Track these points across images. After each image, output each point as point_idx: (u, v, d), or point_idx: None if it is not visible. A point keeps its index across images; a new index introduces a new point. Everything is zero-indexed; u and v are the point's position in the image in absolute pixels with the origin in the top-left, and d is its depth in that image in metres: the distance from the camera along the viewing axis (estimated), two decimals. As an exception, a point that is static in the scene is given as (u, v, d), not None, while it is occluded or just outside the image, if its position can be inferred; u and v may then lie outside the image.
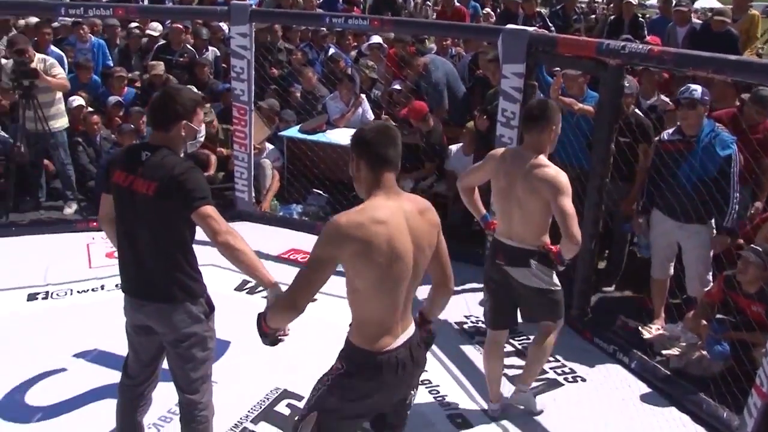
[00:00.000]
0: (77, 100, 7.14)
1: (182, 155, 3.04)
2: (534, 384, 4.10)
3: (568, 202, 3.30)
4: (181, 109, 2.88)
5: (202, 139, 7.00)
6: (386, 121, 6.62)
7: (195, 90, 7.37)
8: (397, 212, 2.37)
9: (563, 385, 4.28)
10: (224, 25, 8.49)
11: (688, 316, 4.58)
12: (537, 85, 5.34)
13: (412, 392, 2.71)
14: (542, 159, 3.45)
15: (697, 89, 4.42)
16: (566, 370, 4.42)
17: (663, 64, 4.27)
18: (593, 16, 10.04)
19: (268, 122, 7.13)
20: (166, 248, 2.94)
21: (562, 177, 3.38)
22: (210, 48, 8.40)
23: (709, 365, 4.37)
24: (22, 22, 8.47)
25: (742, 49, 6.85)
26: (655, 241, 4.83)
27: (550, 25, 8.01)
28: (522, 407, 3.98)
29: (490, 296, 3.82)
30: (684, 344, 4.53)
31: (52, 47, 7.60)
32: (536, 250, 3.53)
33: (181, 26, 8.50)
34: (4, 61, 7.03)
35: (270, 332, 2.62)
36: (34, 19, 7.84)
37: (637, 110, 5.28)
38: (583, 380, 4.34)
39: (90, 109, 7.28)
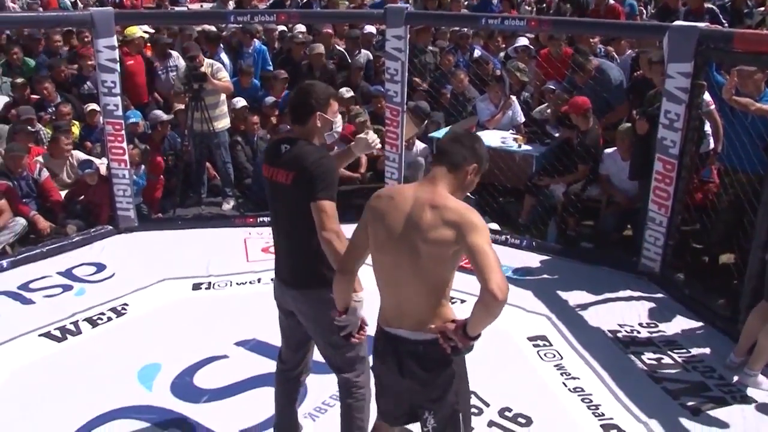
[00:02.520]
0: (241, 101, 7.55)
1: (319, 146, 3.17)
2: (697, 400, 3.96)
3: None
4: (314, 102, 3.06)
5: (340, 130, 7.16)
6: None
7: (347, 90, 7.66)
8: (407, 194, 2.56)
9: (730, 404, 3.99)
10: (369, 27, 8.70)
11: None
12: (705, 85, 5.04)
13: (425, 413, 2.70)
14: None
15: None
16: (733, 389, 4.13)
17: None
18: (762, 8, 9.31)
19: (418, 121, 7.20)
20: (302, 236, 3.06)
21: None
22: (363, 51, 8.59)
23: None
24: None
25: None
26: None
27: (723, 20, 7.52)
28: (749, 387, 4.06)
29: None
30: None
31: (222, 54, 8.13)
32: None
33: (330, 30, 8.78)
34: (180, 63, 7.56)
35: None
36: (209, 27, 8.35)
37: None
38: (753, 400, 4.03)
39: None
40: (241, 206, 7.18)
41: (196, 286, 5.48)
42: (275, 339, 4.57)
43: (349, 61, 8.45)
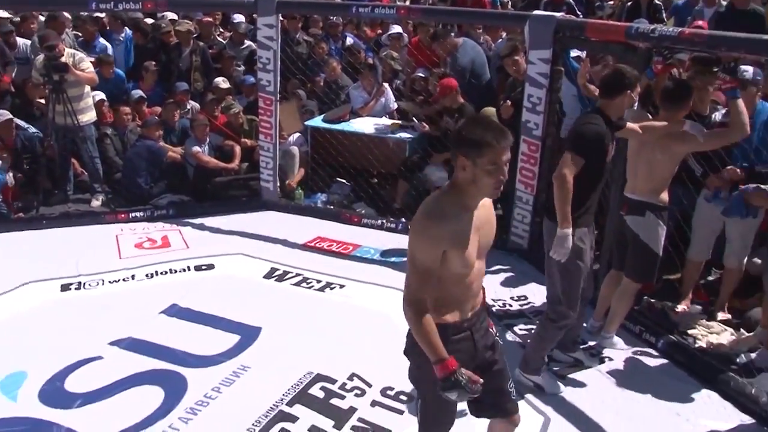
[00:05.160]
0: (99, 94, 7.23)
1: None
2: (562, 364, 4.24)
3: None
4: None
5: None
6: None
7: (223, 80, 7.53)
8: None
9: (592, 364, 4.30)
10: (238, 17, 8.57)
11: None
12: (563, 71, 5.34)
13: None
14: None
15: (749, 69, 4.36)
16: (594, 351, 4.44)
17: (695, 47, 4.23)
18: (611, 2, 9.96)
19: (303, 117, 7.21)
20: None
21: None
22: (247, 42, 8.46)
23: (736, 343, 4.42)
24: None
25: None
26: (700, 225, 4.78)
27: (578, 12, 7.97)
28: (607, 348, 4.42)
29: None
30: (711, 324, 4.59)
31: (100, 39, 7.86)
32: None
33: (211, 19, 8.58)
34: (35, 56, 7.14)
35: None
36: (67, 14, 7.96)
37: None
38: (611, 359, 4.36)
39: (107, 102, 7.36)
40: (111, 202, 6.90)
41: (65, 287, 5.23)
42: (152, 335, 4.52)
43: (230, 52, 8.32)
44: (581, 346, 4.41)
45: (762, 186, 4.19)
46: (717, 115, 4.62)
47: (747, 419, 3.80)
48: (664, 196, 4.15)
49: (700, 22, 6.61)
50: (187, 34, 7.92)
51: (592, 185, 3.74)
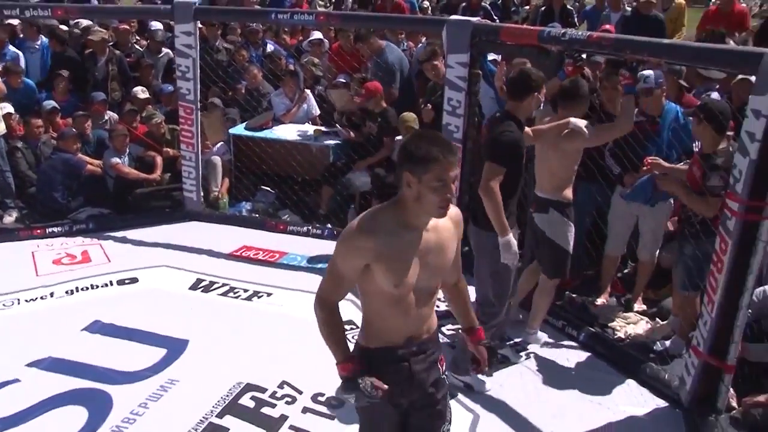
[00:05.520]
0: (6, 107, 6.94)
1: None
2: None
3: None
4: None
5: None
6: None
7: (142, 90, 7.38)
8: None
9: (518, 361, 4.41)
10: (156, 24, 8.41)
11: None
12: (481, 74, 5.47)
13: None
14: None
15: (650, 75, 4.61)
16: (519, 348, 4.56)
17: (602, 50, 4.42)
18: (527, 6, 10.31)
19: (226, 126, 7.13)
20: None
21: None
22: (164, 50, 8.28)
23: (651, 332, 4.64)
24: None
25: (670, 37, 7.13)
26: (616, 221, 4.95)
27: (494, 16, 8.19)
28: (531, 344, 4.57)
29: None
30: (628, 315, 4.80)
31: (10, 47, 7.51)
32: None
33: (127, 26, 8.38)
34: None
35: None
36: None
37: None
38: (536, 355, 4.50)
39: (17, 116, 7.09)
40: (25, 218, 6.66)
41: (-22, 308, 5.01)
42: (74, 354, 4.38)
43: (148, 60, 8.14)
44: (507, 343, 4.52)
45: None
46: None
47: (662, 403, 3.99)
48: (568, 192, 4.31)
49: (608, 26, 6.89)
50: (102, 43, 7.73)
51: (513, 189, 3.85)
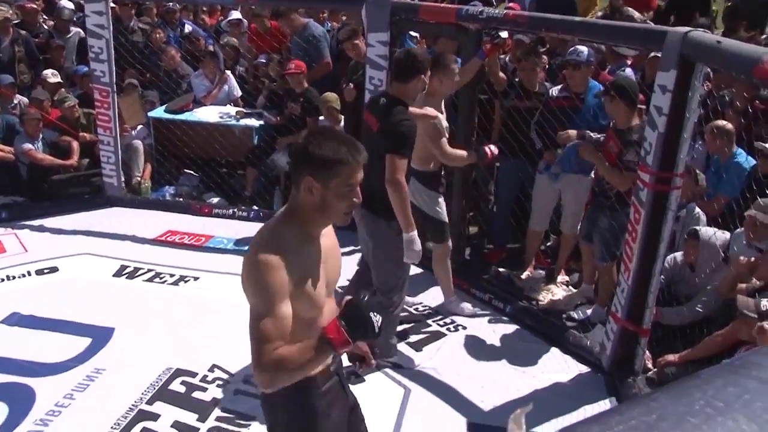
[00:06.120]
0: None
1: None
2: (419, 336, 4.43)
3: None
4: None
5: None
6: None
7: (53, 73, 7.08)
8: None
9: (446, 335, 4.52)
10: (65, 3, 8.08)
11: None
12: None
13: None
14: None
15: (584, 51, 4.74)
16: (447, 321, 4.67)
17: (518, 27, 4.53)
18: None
19: (144, 108, 6.93)
20: (381, 173, 3.55)
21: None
22: (73, 29, 7.95)
23: (569, 298, 4.84)
24: None
25: (582, 15, 7.32)
26: (538, 196, 5.08)
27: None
28: (456, 313, 4.71)
29: None
30: (551, 286, 4.98)
31: None
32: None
33: (35, 5, 8.00)
34: None
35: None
36: None
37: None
38: (464, 328, 4.61)
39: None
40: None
41: None
42: (10, 351, 4.20)
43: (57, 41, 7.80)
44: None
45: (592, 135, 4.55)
46: (554, 91, 4.96)
47: (584, 369, 4.17)
48: (433, 166, 4.39)
49: (512, 4, 7.02)
50: (5, 22, 7.34)
51: (407, 176, 3.83)
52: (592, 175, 4.79)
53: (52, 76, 7.12)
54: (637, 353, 3.89)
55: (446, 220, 4.53)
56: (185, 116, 6.89)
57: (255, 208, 6.33)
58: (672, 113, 3.45)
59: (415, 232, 3.69)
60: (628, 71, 5.35)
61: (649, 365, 3.98)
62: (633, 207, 3.75)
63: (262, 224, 2.16)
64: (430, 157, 4.34)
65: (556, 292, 4.98)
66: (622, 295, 3.85)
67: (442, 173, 4.53)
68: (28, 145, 6.48)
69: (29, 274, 5.23)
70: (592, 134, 4.58)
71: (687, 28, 3.42)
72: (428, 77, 3.86)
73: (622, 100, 4.16)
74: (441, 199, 4.49)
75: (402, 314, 4.67)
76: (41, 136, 6.61)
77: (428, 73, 3.84)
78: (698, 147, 4.82)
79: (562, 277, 5.17)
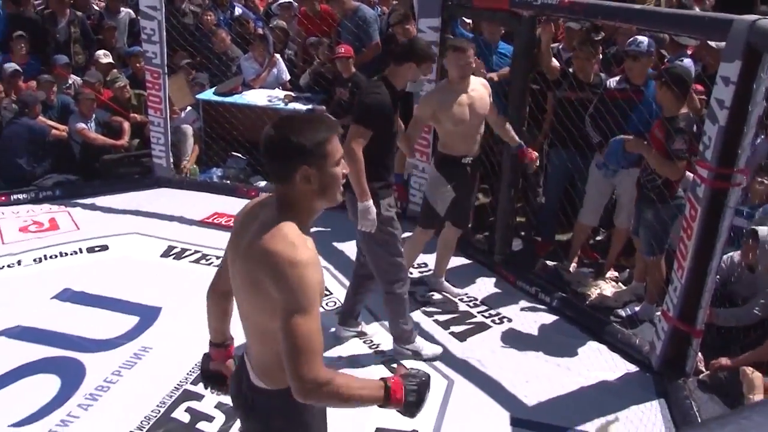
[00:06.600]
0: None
1: None
2: (464, 327, 4.39)
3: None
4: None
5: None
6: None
7: (104, 53, 7.19)
8: (255, 216, 2.08)
9: (491, 327, 4.47)
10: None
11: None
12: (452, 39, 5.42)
13: None
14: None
15: (644, 41, 4.54)
16: (492, 313, 4.62)
17: (574, 14, 4.41)
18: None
19: (193, 90, 6.98)
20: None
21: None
22: (123, 10, 8.06)
23: (618, 296, 4.72)
24: None
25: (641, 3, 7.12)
26: (592, 190, 4.94)
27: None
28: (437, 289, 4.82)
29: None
30: (599, 281, 4.87)
31: None
32: None
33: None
34: None
35: None
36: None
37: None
38: (510, 320, 4.55)
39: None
40: (-12, 184, 6.51)
41: (-57, 277, 4.92)
42: (44, 322, 4.34)
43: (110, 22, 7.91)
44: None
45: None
46: (611, 82, 4.78)
47: (632, 368, 4.07)
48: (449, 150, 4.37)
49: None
50: (62, 3, 7.47)
51: (384, 154, 3.81)
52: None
53: (104, 56, 7.23)
54: (689, 354, 3.77)
55: (439, 211, 4.45)
56: (234, 99, 6.92)
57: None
58: (734, 106, 3.32)
59: (370, 202, 3.66)
60: (686, 61, 5.17)
61: (701, 367, 3.87)
62: (689, 203, 3.63)
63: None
64: (445, 141, 4.36)
65: (605, 287, 4.87)
66: (675, 293, 3.74)
67: (466, 164, 4.40)
68: (81, 125, 6.60)
69: (81, 251, 5.35)
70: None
71: (755, 16, 3.27)
72: (426, 71, 3.82)
73: (671, 88, 4.02)
74: (445, 188, 4.39)
75: (444, 303, 4.66)
76: (94, 116, 6.72)
77: (427, 68, 3.85)
78: (760, 141, 4.63)
79: (611, 273, 5.06)
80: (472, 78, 4.30)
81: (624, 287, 4.85)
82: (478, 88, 4.30)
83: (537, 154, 4.40)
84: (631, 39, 4.61)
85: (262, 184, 6.61)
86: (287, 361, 1.83)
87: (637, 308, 4.57)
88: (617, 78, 4.79)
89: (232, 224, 2.24)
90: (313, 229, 2.07)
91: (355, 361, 4.08)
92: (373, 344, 4.24)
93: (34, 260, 5.20)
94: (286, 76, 7.30)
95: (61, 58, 7.23)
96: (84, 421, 3.53)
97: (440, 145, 4.45)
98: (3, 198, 6.22)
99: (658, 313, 4.04)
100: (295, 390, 1.83)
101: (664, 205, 4.18)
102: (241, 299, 2.07)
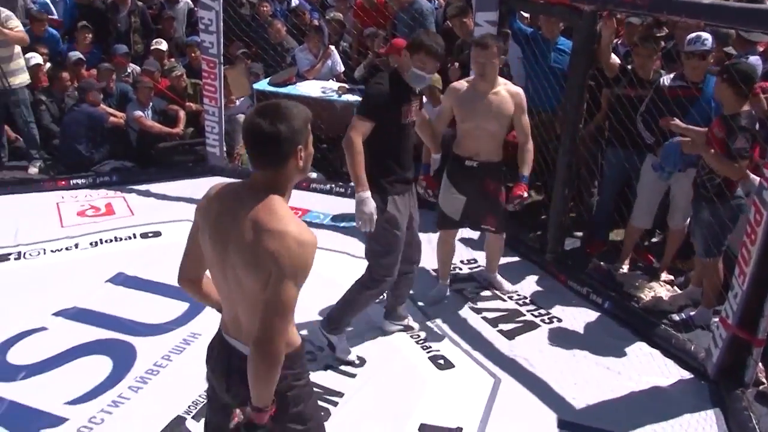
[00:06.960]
0: (34, 58, 6.91)
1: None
2: (512, 326, 4.33)
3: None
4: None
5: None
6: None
7: (163, 42, 7.31)
8: (233, 200, 2.22)
9: (540, 326, 4.39)
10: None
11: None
12: (510, 34, 5.34)
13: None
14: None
15: (708, 39, 4.37)
16: (542, 312, 4.54)
17: (637, 9, 4.27)
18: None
19: (249, 80, 7.04)
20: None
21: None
22: (183, 0, 8.22)
23: (673, 299, 4.57)
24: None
25: None
26: (644, 191, 4.80)
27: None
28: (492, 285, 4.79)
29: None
30: (653, 284, 4.73)
31: None
32: None
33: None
34: None
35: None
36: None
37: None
38: (559, 320, 4.47)
39: (48, 65, 7.08)
40: (49, 169, 6.68)
41: (4, 258, 5.06)
42: (98, 305, 4.43)
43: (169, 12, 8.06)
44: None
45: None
46: (665, 79, 4.64)
47: (687, 374, 3.94)
48: (456, 149, 4.36)
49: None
50: None
51: (393, 147, 3.72)
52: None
53: (161, 45, 7.35)
54: (748, 364, 3.63)
55: (451, 215, 4.43)
56: (288, 89, 6.96)
57: (352, 184, 6.32)
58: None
59: (367, 194, 3.59)
60: (752, 59, 4.96)
61: (762, 378, 3.72)
62: (754, 207, 3.49)
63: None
64: (457, 139, 4.36)
65: (659, 290, 4.73)
66: (735, 300, 3.61)
67: (470, 166, 4.32)
68: (138, 113, 6.73)
69: (135, 236, 5.45)
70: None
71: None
72: (422, 62, 3.65)
73: (732, 85, 3.87)
74: (449, 192, 4.38)
75: (494, 300, 4.60)
76: (151, 104, 6.85)
77: (422, 57, 3.62)
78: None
79: (665, 276, 4.91)
80: (500, 81, 4.22)
81: (678, 291, 4.71)
82: (502, 93, 4.21)
83: (526, 194, 4.23)
84: (694, 36, 4.42)
85: (314, 175, 6.62)
86: (266, 311, 2.00)
87: (692, 312, 4.42)
88: (671, 75, 4.64)
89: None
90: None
91: (402, 356, 4.06)
92: (420, 339, 4.21)
93: (91, 244, 5.32)
94: (341, 68, 7.30)
95: (120, 47, 7.39)
96: (134, 402, 3.59)
97: (454, 142, 4.41)
98: (63, 182, 6.39)
99: (716, 319, 3.91)
100: (259, 339, 1.99)
101: (723, 204, 4.04)
102: (231, 277, 2.13)
